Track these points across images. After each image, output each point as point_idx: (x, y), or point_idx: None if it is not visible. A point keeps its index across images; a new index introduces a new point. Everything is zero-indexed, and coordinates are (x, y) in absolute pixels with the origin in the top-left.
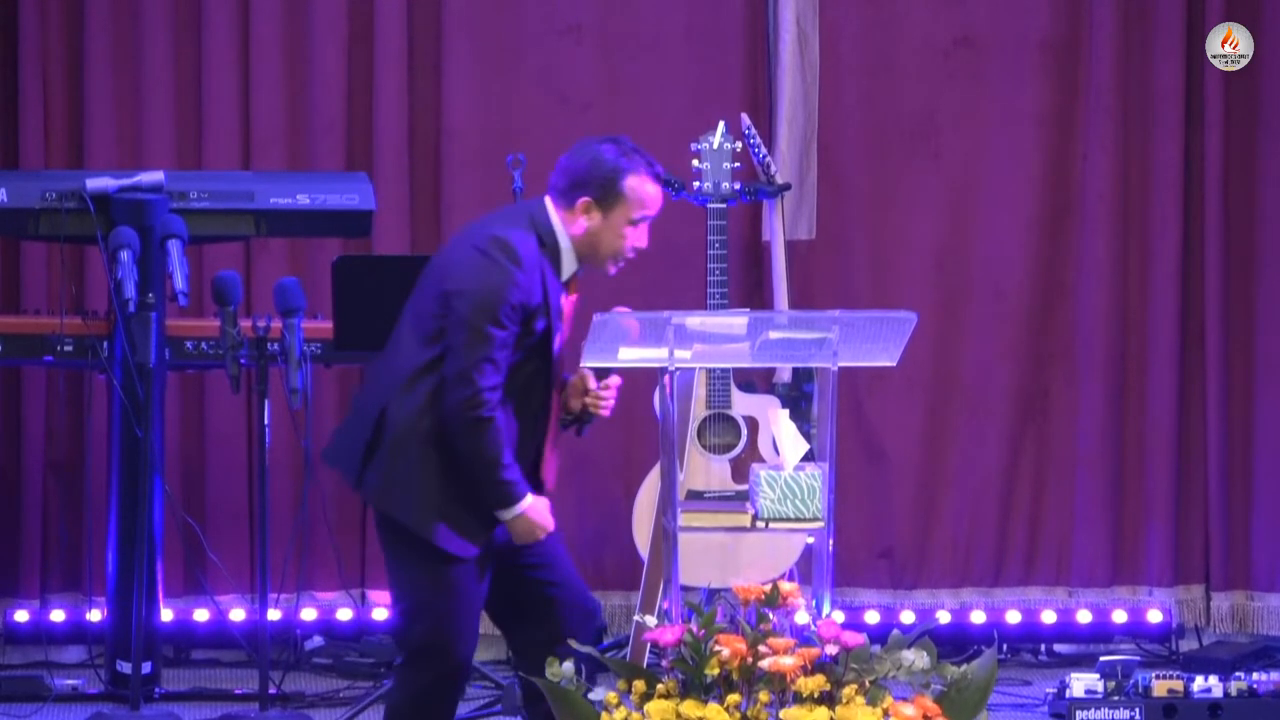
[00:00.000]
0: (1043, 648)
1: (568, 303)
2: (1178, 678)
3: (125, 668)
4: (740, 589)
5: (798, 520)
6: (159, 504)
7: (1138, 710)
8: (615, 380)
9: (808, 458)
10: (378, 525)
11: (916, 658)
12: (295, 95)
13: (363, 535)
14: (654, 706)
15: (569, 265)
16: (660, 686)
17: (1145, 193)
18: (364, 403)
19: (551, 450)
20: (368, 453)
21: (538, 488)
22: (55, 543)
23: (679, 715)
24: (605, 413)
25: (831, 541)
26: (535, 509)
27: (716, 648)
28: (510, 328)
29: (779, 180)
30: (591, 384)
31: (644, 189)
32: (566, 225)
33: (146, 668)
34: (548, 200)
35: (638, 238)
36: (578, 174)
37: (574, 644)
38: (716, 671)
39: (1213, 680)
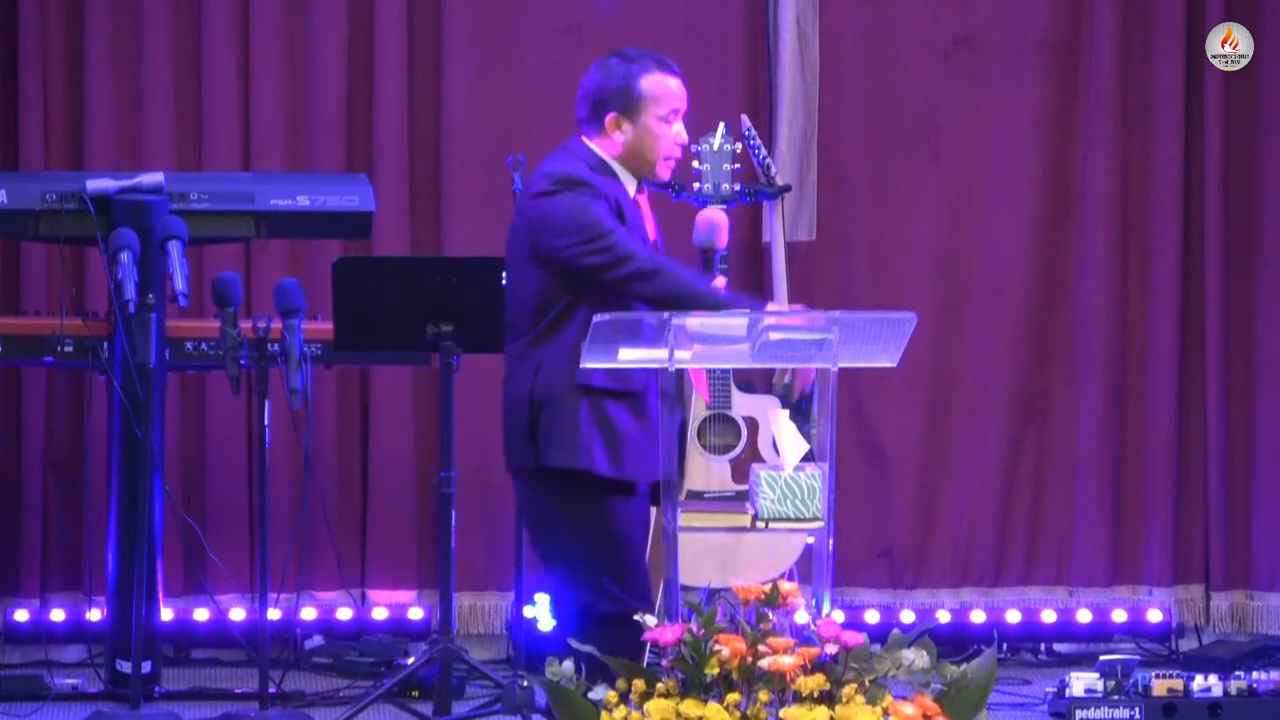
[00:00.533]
0: (1043, 647)
1: (650, 223)
2: (1177, 677)
3: (125, 667)
4: (740, 589)
5: (798, 520)
6: (159, 504)
7: (1137, 709)
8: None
9: (808, 458)
10: (530, 507)
11: (916, 657)
12: (295, 95)
13: (362, 535)
14: (654, 706)
15: (629, 184)
16: (660, 686)
17: (1145, 193)
18: (509, 400)
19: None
20: (530, 434)
21: None
22: (55, 543)
23: (679, 715)
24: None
25: (831, 541)
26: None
27: (716, 647)
28: (614, 220)
29: (779, 181)
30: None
31: (661, 83)
32: (607, 149)
33: (146, 667)
34: (582, 138)
35: (676, 134)
36: (594, 94)
37: (574, 643)
38: (716, 671)
39: (1212, 679)
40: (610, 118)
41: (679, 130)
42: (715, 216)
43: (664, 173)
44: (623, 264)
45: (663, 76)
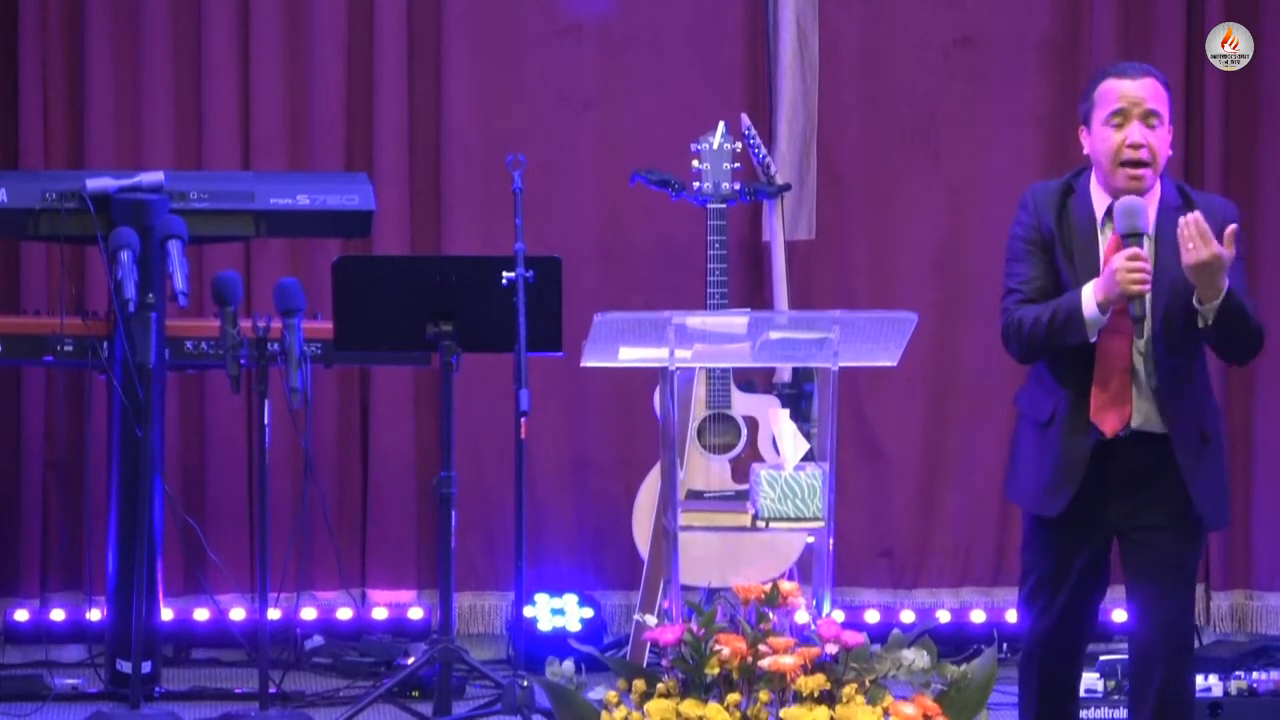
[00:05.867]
0: None
1: (1110, 247)
2: None
3: (125, 667)
4: (740, 588)
5: (798, 520)
6: (159, 504)
7: None
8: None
9: (808, 457)
10: None
11: (916, 657)
12: (295, 95)
13: (362, 535)
14: (654, 706)
15: (1099, 201)
16: (660, 686)
17: None
18: None
19: (1114, 395)
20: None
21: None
22: (55, 542)
23: (679, 714)
24: (1139, 286)
25: (831, 541)
26: (1100, 285)
27: (716, 647)
28: (1017, 249)
29: (779, 180)
30: (1116, 261)
31: (1105, 88)
32: (1091, 164)
33: (146, 667)
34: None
35: (1123, 135)
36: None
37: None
38: (716, 671)
39: (1213, 679)
40: (1080, 131)
41: (1128, 131)
42: (1131, 203)
43: (1125, 182)
44: (1004, 295)
45: (1111, 80)
